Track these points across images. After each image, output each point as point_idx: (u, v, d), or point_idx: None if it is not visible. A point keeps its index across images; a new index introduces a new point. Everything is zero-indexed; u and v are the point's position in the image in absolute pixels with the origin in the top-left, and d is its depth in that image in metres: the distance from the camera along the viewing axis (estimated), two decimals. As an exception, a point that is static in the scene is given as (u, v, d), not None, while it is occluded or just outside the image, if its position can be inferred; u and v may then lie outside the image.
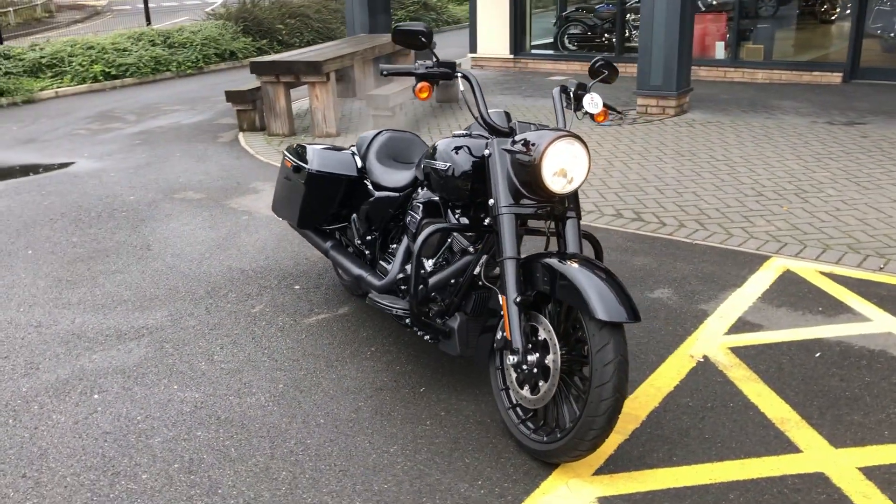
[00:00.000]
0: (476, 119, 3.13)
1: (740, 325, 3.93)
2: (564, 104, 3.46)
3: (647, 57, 8.65)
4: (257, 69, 8.37)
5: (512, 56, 12.70)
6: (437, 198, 3.41)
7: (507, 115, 3.29)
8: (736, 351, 3.69)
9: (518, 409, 3.04)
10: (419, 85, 3.05)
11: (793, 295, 4.24)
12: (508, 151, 3.00)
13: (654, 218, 5.54)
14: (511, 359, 2.85)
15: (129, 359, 3.79)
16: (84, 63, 12.23)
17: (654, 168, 6.75)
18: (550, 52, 12.94)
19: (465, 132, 3.31)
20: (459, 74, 3.18)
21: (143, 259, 5.08)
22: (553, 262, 2.82)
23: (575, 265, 2.77)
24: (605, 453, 2.97)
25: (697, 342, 3.78)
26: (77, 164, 7.70)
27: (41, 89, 11.53)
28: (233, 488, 2.84)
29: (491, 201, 2.99)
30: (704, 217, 5.50)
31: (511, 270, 2.90)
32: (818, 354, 3.63)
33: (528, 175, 2.90)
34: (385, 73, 3.10)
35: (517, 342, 2.84)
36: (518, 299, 2.86)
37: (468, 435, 3.12)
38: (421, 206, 3.44)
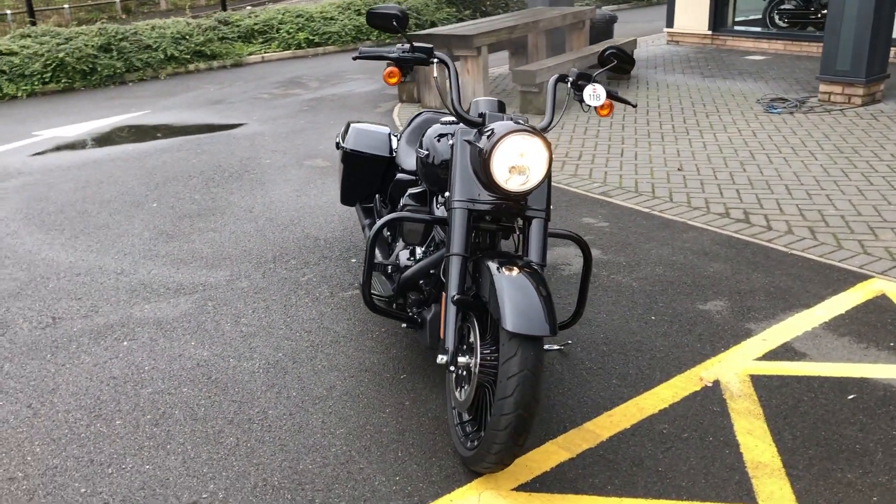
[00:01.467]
0: (447, 106, 3.02)
1: (780, 352, 3.49)
2: (570, 95, 3.22)
3: (835, 37, 7.73)
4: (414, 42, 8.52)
5: (710, 32, 11.86)
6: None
7: (501, 104, 3.13)
8: (756, 379, 3.28)
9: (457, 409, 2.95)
10: (387, 70, 3.00)
11: (868, 324, 3.68)
12: (469, 143, 2.87)
13: (763, 220, 5.00)
14: (440, 358, 2.75)
15: (172, 312, 4.12)
16: (291, 30, 13.13)
17: (798, 164, 6.07)
18: (756, 28, 11.92)
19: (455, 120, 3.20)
20: (435, 60, 3.07)
21: (240, 220, 5.45)
22: (491, 263, 2.68)
23: (510, 272, 2.61)
24: (540, 469, 2.80)
25: (719, 364, 3.41)
26: (243, 127, 8.34)
27: (249, 54, 12.56)
28: (180, 445, 3.02)
29: (447, 194, 2.89)
30: (821, 224, 4.88)
31: (454, 267, 2.79)
32: (851, 396, 3.14)
33: (480, 169, 2.77)
34: (356, 56, 3.07)
35: (449, 342, 2.74)
36: (455, 298, 2.76)
37: (417, 428, 3.07)
38: (408, 192, 3.39)
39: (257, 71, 11.91)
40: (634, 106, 3.32)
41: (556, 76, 3.17)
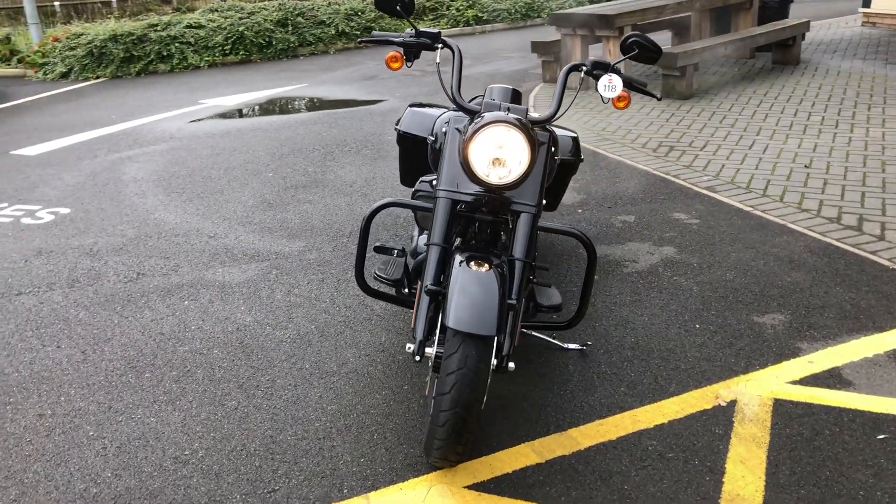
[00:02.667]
0: (446, 93, 2.97)
1: (822, 377, 3.14)
2: (581, 85, 3.06)
3: None
4: (556, 21, 8.35)
5: (912, 13, 10.63)
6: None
7: (516, 93, 3.02)
8: (780, 405, 2.98)
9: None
10: (390, 54, 2.98)
11: (945, 356, 3.22)
12: (458, 131, 2.81)
13: (878, 229, 4.48)
14: (408, 347, 2.74)
15: (239, 277, 4.37)
16: (461, 8, 13.25)
17: (950, 167, 5.36)
18: (971, 9, 10.54)
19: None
20: (440, 46, 3.02)
21: (337, 193, 5.65)
22: (459, 256, 2.63)
23: (479, 267, 2.55)
24: (502, 470, 2.73)
25: (746, 383, 3.13)
26: (382, 103, 8.58)
27: (417, 31, 12.83)
28: (188, 403, 3.23)
29: (434, 182, 2.85)
30: (944, 238, 4.30)
31: (432, 257, 2.76)
32: (882, 436, 2.77)
33: (462, 159, 2.71)
34: (362, 40, 3.08)
35: (418, 332, 2.72)
36: (427, 288, 2.73)
37: (403, 413, 3.07)
38: (422, 178, 3.36)
39: (421, 47, 12.14)
40: (659, 99, 3.08)
41: (569, 65, 3.02)
